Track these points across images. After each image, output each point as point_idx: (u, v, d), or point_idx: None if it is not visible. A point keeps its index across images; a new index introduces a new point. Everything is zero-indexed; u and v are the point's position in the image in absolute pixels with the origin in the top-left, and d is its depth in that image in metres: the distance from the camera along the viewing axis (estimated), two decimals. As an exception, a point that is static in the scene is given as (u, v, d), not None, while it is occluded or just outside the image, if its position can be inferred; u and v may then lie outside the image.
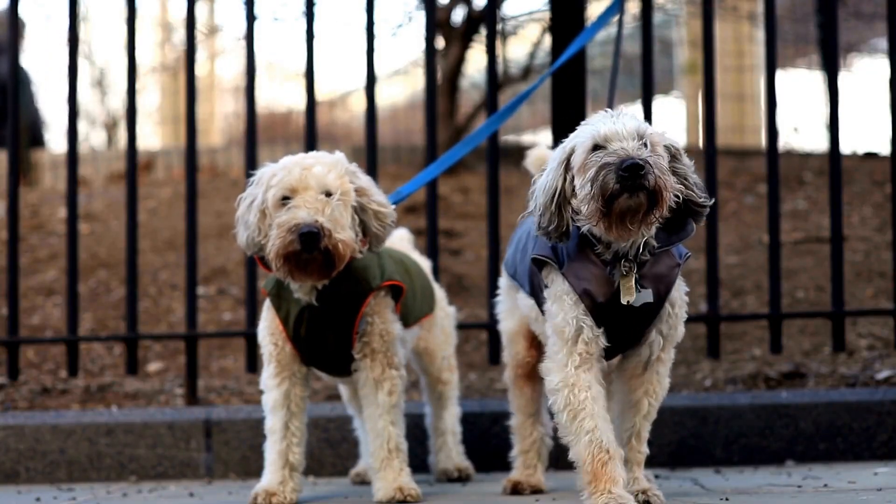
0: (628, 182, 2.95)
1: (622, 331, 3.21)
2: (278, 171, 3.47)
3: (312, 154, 3.55)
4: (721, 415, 4.47)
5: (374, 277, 3.60)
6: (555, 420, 3.26)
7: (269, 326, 3.66)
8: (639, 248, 3.14)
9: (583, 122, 3.17)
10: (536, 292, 3.36)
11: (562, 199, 3.10)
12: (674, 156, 3.13)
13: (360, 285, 3.57)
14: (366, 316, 3.60)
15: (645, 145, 3.02)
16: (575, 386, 3.15)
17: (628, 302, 3.12)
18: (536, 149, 3.86)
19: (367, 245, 3.55)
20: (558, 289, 3.19)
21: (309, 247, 3.35)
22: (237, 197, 3.59)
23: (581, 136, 3.10)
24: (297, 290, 3.56)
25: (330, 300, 3.56)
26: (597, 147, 3.04)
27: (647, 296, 3.14)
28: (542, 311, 3.33)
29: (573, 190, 3.10)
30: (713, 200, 3.22)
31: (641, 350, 3.28)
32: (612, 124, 3.04)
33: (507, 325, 3.76)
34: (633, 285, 3.12)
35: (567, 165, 3.11)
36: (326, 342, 3.61)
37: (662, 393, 3.34)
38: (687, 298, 3.29)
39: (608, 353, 3.26)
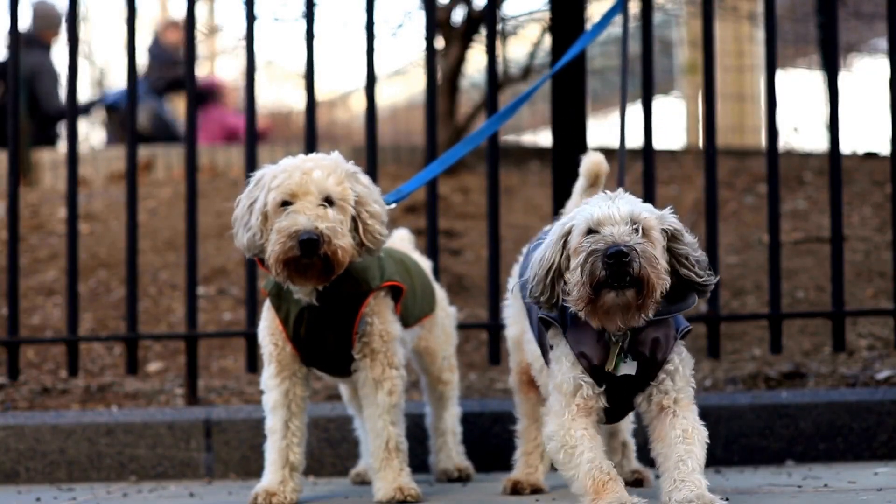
0: (613, 269, 2.99)
1: (618, 394, 3.23)
2: (278, 173, 3.47)
3: (312, 157, 3.54)
4: (721, 415, 4.47)
5: (373, 278, 3.60)
6: (553, 462, 3.27)
7: (269, 326, 3.66)
8: None
9: (584, 202, 3.23)
10: (543, 342, 3.40)
11: (556, 275, 3.15)
12: (673, 236, 3.17)
13: (359, 286, 3.57)
14: (365, 316, 3.60)
15: (637, 230, 3.06)
16: (571, 429, 3.18)
17: (609, 370, 3.16)
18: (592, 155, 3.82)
19: (360, 254, 3.55)
20: (560, 350, 3.25)
21: (308, 253, 3.37)
22: (237, 197, 3.59)
23: (578, 219, 3.15)
24: (298, 290, 3.56)
25: (330, 300, 3.56)
26: (590, 231, 3.09)
27: (631, 368, 3.16)
28: (547, 364, 3.37)
29: (567, 267, 3.14)
30: (716, 279, 3.26)
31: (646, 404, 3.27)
32: (607, 208, 3.09)
33: (512, 331, 3.78)
34: (616, 355, 3.15)
35: (565, 243, 3.16)
36: (326, 342, 3.61)
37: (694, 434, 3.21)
38: (692, 368, 3.26)
39: (609, 416, 3.27)
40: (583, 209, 3.16)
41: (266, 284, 3.67)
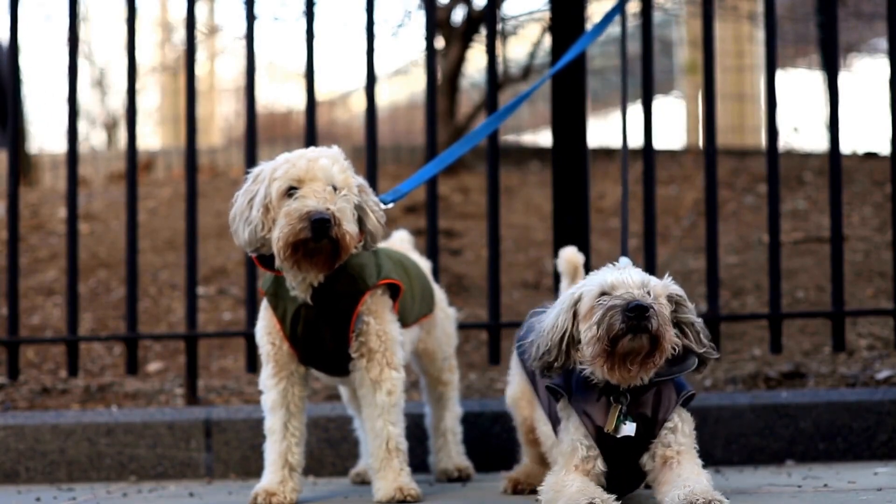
0: (633, 322, 3.06)
1: (621, 458, 3.24)
2: (280, 164, 3.47)
3: (313, 148, 3.56)
4: (721, 415, 4.47)
5: (370, 276, 3.60)
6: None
7: (266, 326, 3.65)
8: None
9: (591, 273, 3.30)
10: (553, 414, 3.42)
11: (570, 341, 3.21)
12: (678, 303, 3.24)
13: (356, 284, 3.57)
14: (362, 315, 3.59)
15: (648, 294, 3.14)
16: (564, 480, 3.21)
17: (609, 431, 3.19)
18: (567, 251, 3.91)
19: (362, 241, 3.55)
20: (568, 417, 3.29)
21: (319, 234, 3.35)
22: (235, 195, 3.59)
23: (588, 285, 3.22)
24: (295, 287, 3.55)
25: (327, 298, 3.55)
26: (603, 294, 3.15)
27: (630, 429, 3.19)
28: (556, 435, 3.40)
29: (579, 334, 3.20)
30: (717, 356, 3.33)
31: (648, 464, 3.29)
32: (619, 274, 3.18)
33: (510, 389, 3.81)
34: (616, 417, 3.19)
35: (575, 312, 3.22)
36: (324, 341, 3.61)
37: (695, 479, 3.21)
38: (693, 428, 3.30)
39: (617, 483, 3.27)
40: (592, 278, 3.24)
41: (263, 284, 3.66)
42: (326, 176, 3.43)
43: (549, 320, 3.27)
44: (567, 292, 3.31)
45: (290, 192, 3.42)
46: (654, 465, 3.23)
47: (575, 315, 3.22)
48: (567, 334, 3.21)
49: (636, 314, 3.05)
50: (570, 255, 3.85)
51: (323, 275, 3.51)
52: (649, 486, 3.30)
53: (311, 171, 3.42)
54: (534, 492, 3.76)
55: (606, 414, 3.21)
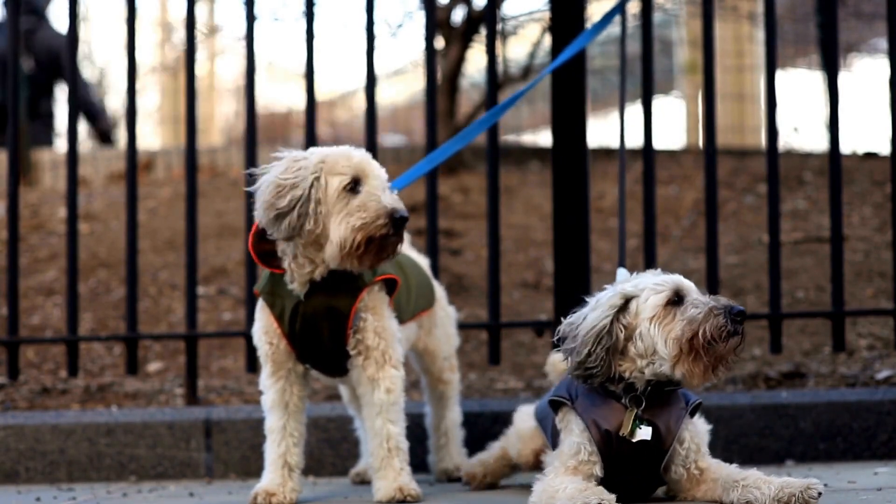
0: (739, 326, 3.14)
1: (631, 466, 3.24)
2: (335, 157, 3.49)
3: (348, 147, 3.58)
4: (721, 415, 4.47)
5: (367, 272, 3.60)
6: None
7: (263, 326, 3.64)
8: (647, 385, 3.21)
9: (621, 280, 3.35)
10: (551, 430, 3.43)
11: (612, 345, 3.19)
12: None
13: (354, 280, 3.57)
14: (359, 311, 3.59)
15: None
16: (558, 480, 3.18)
17: (624, 435, 3.19)
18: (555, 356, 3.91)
19: None
20: (570, 424, 3.28)
21: (399, 230, 3.44)
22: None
23: (648, 285, 3.22)
24: (293, 282, 3.55)
25: (324, 294, 3.56)
26: (675, 298, 3.18)
27: (646, 433, 3.19)
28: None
29: (628, 337, 3.20)
30: None
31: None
32: (680, 278, 3.24)
33: (521, 425, 3.81)
34: (632, 421, 3.20)
35: (619, 312, 3.21)
36: (322, 338, 3.60)
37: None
38: (706, 439, 3.34)
39: (617, 494, 3.24)
40: (647, 278, 3.25)
41: (258, 285, 3.66)
42: (382, 175, 3.51)
43: (588, 324, 3.23)
44: (604, 295, 3.26)
45: (352, 187, 3.45)
46: (681, 474, 3.24)
47: (620, 315, 3.21)
48: (611, 342, 3.18)
49: (741, 318, 3.13)
50: (553, 363, 3.90)
51: (325, 270, 3.52)
52: (672, 497, 3.30)
53: (371, 169, 3.49)
54: (492, 486, 3.80)
55: (616, 418, 3.20)
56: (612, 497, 3.06)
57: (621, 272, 3.49)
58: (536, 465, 3.65)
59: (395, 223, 3.42)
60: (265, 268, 3.59)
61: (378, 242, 3.44)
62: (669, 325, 3.15)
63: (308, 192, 3.43)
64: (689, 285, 3.22)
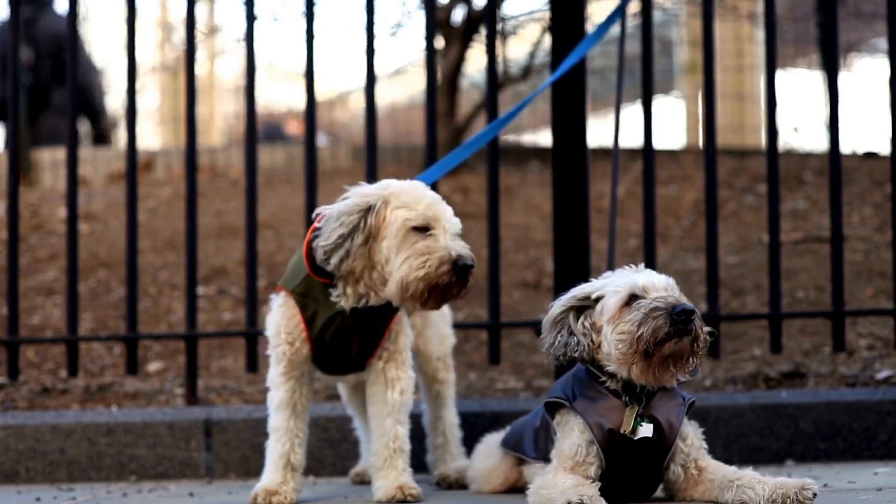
0: (680, 326, 3.07)
1: (633, 464, 3.23)
2: (396, 191, 3.46)
3: (415, 185, 3.54)
4: (721, 415, 4.47)
5: None
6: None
7: (287, 325, 3.62)
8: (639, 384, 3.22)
9: (602, 276, 3.32)
10: (546, 445, 3.41)
11: (569, 332, 3.22)
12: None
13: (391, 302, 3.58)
14: (392, 330, 3.64)
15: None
16: (555, 477, 3.18)
17: (626, 433, 3.19)
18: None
19: None
20: (569, 425, 3.27)
21: (463, 279, 3.40)
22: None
23: (611, 287, 3.21)
24: (342, 297, 3.55)
25: (366, 312, 3.57)
26: (634, 296, 3.16)
27: (648, 430, 3.19)
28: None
29: (598, 331, 3.21)
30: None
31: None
32: (647, 276, 3.19)
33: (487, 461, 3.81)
34: (633, 418, 3.19)
35: (580, 309, 3.24)
36: (350, 348, 3.61)
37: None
38: (703, 439, 3.33)
39: (617, 494, 3.25)
40: (611, 279, 3.24)
41: (287, 283, 3.62)
42: (453, 223, 3.47)
43: (552, 315, 3.26)
44: (568, 295, 3.29)
45: (422, 229, 3.42)
46: (678, 474, 3.24)
47: (580, 312, 3.22)
48: (578, 330, 3.21)
49: (683, 318, 3.06)
50: None
51: (381, 301, 3.52)
52: (670, 497, 3.30)
53: (443, 212, 3.46)
54: (463, 486, 3.82)
55: (616, 416, 3.20)
56: (596, 492, 3.06)
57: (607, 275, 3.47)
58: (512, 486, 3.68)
59: (459, 271, 3.38)
60: (316, 278, 3.56)
61: (441, 290, 3.42)
62: (621, 326, 3.15)
63: (353, 231, 3.42)
64: (650, 283, 3.17)
